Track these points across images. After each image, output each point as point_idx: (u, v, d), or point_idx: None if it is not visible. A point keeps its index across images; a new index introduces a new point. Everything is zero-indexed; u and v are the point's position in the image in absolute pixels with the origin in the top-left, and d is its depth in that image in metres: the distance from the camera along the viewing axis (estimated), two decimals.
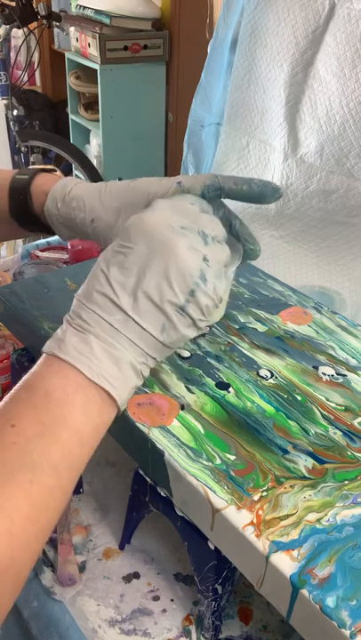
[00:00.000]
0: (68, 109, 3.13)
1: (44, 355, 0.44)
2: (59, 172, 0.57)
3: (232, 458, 0.55)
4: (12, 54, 2.61)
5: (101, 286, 0.43)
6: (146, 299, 0.43)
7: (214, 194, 0.53)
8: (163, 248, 0.43)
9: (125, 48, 2.62)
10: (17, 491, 0.37)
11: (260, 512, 0.50)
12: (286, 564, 0.46)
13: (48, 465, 0.39)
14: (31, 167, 0.58)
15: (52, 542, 0.66)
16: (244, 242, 0.55)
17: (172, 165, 2.96)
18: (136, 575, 0.65)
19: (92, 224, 0.53)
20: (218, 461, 0.54)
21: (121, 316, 0.42)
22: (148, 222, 0.44)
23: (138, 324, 0.43)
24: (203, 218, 0.47)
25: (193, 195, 0.50)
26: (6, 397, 0.42)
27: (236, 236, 0.55)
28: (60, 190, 0.55)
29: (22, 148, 2.41)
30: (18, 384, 0.43)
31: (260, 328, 0.73)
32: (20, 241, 1.17)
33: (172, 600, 0.63)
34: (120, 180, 0.60)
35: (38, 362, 0.44)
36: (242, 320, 0.74)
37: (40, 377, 0.42)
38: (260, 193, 0.53)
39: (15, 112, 2.34)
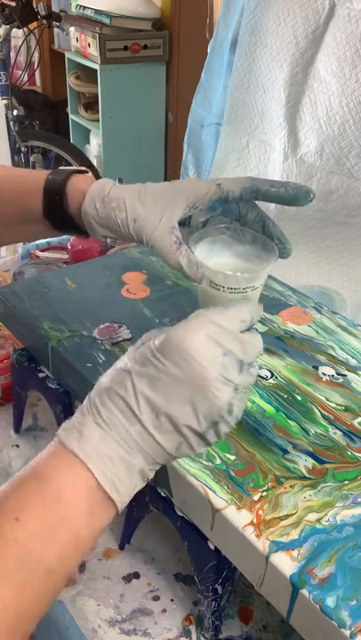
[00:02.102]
0: (68, 109, 3.13)
1: (57, 442, 0.42)
2: (90, 174, 0.58)
3: (232, 458, 0.55)
4: (12, 54, 2.61)
5: (126, 392, 0.42)
6: (168, 420, 0.41)
7: (251, 196, 0.55)
8: (199, 378, 0.41)
9: (125, 48, 2.62)
10: (8, 592, 0.36)
11: (260, 512, 0.50)
12: (286, 564, 0.46)
13: (43, 569, 0.38)
14: (64, 168, 0.59)
15: None
16: (277, 241, 0.57)
17: (171, 165, 2.96)
18: (136, 575, 0.65)
19: (135, 224, 0.54)
20: (218, 461, 0.54)
21: (140, 427, 0.41)
22: (190, 344, 0.41)
23: (155, 440, 0.41)
24: (244, 339, 0.44)
25: (245, 306, 0.46)
26: (14, 481, 0.41)
27: (270, 235, 0.58)
28: (99, 191, 0.56)
29: (22, 148, 2.41)
30: (27, 468, 0.42)
31: (260, 328, 0.73)
32: None
33: (172, 600, 0.63)
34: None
35: (51, 448, 0.42)
36: None
37: (52, 469, 0.40)
38: (294, 196, 0.56)
39: (15, 112, 2.34)
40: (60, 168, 0.62)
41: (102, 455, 0.40)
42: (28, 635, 0.38)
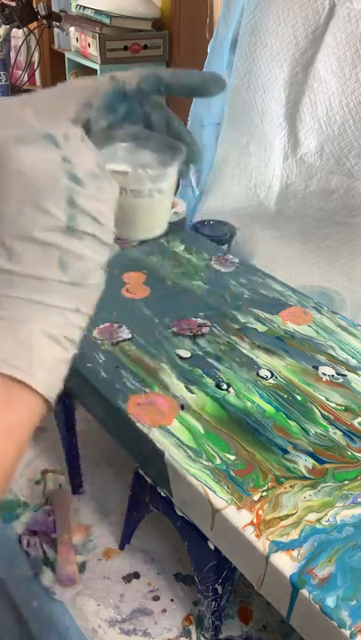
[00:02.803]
0: None
1: None
2: None
3: (232, 458, 0.55)
4: (12, 54, 2.61)
5: None
6: (18, 240, 0.32)
7: (152, 88, 0.47)
8: (2, 168, 0.32)
9: (125, 48, 2.62)
10: None
11: (260, 512, 0.50)
12: (286, 564, 0.46)
13: None
14: None
15: (52, 542, 0.66)
16: (185, 142, 0.49)
17: None
18: (136, 575, 0.65)
19: None
20: (218, 461, 0.54)
21: None
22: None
23: (28, 275, 0.32)
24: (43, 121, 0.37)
25: None
26: None
27: (176, 136, 0.50)
28: None
29: None
30: None
31: (260, 328, 0.73)
32: None
33: (172, 600, 0.63)
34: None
35: None
36: (242, 320, 0.74)
37: None
38: (201, 83, 0.47)
39: None
40: None
41: None
42: None
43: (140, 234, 0.45)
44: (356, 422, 0.59)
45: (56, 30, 2.98)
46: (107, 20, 2.55)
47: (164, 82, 0.46)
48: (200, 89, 0.47)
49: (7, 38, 2.35)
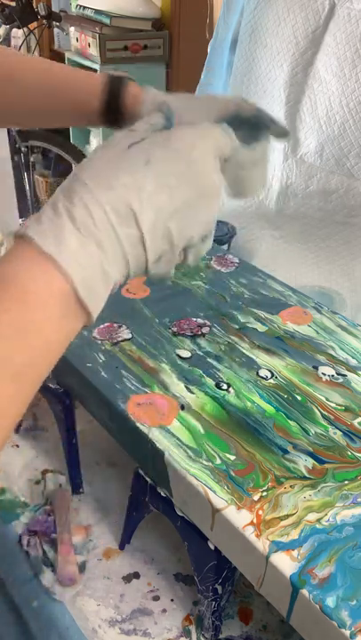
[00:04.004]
0: None
1: (26, 245, 0.36)
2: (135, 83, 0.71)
3: (232, 458, 0.55)
4: None
5: (127, 188, 0.37)
6: (164, 226, 0.39)
7: (259, 123, 0.62)
8: (209, 186, 0.42)
9: (125, 48, 2.62)
10: None
11: (260, 512, 0.50)
12: (286, 564, 0.46)
13: (10, 373, 0.35)
14: (115, 74, 0.70)
15: (52, 542, 0.66)
16: (271, 125, 0.62)
17: None
18: (136, 575, 0.65)
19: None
20: (218, 461, 0.54)
21: (135, 231, 0.37)
22: (199, 155, 0.42)
23: (145, 247, 0.38)
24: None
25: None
26: None
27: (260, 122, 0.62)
28: (152, 97, 0.66)
29: (22, 148, 2.41)
30: None
31: (260, 328, 0.73)
32: None
33: (172, 600, 0.63)
34: None
35: (17, 251, 0.37)
36: (242, 320, 0.74)
37: (23, 272, 0.36)
38: (283, 132, 0.62)
39: None
40: (112, 73, 0.70)
41: (81, 261, 0.36)
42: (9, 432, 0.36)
43: (256, 189, 0.58)
44: (356, 422, 0.59)
45: (56, 30, 2.98)
46: (107, 20, 2.55)
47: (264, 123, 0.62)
48: (279, 136, 0.62)
49: (7, 38, 2.35)
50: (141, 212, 0.37)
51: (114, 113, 0.68)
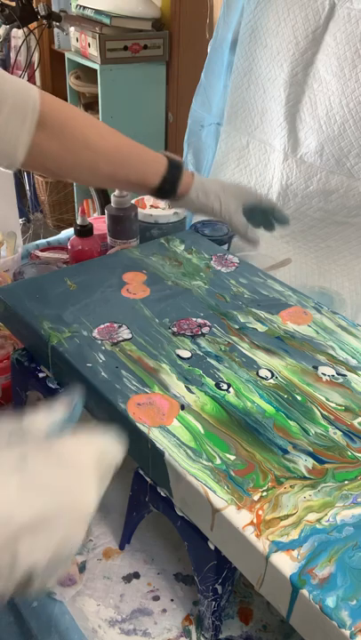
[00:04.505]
0: None
1: None
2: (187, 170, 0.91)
3: (232, 458, 0.55)
4: (12, 54, 2.61)
5: None
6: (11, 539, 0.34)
7: (276, 216, 0.92)
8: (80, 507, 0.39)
9: (125, 48, 2.62)
10: None
11: (260, 512, 0.50)
12: (286, 563, 0.46)
13: None
14: (171, 157, 0.86)
15: None
16: (272, 214, 0.91)
17: None
18: (136, 575, 0.65)
19: (222, 209, 0.85)
20: (218, 461, 0.54)
21: None
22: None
23: None
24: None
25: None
26: None
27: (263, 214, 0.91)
28: (200, 185, 0.85)
29: None
30: None
31: (260, 328, 0.73)
32: (20, 241, 1.17)
33: (172, 600, 0.63)
34: None
35: None
36: (242, 320, 0.74)
37: None
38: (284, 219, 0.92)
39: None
40: (171, 158, 0.85)
41: None
42: None
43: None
44: (356, 422, 0.59)
45: (56, 30, 2.98)
46: (107, 20, 2.55)
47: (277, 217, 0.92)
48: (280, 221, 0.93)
49: (7, 38, 2.35)
50: None
51: (167, 192, 0.84)
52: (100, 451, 0.41)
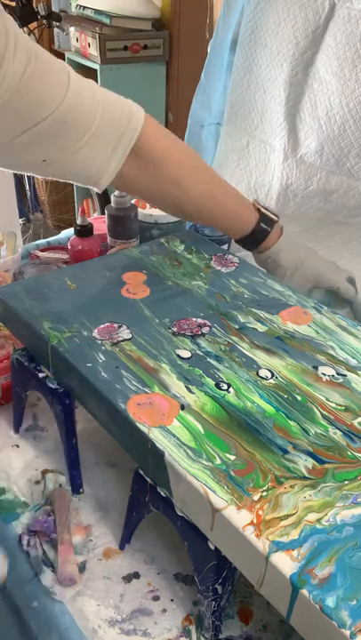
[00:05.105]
0: None
1: None
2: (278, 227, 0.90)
3: (232, 458, 0.55)
4: None
5: None
6: None
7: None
8: None
9: (125, 48, 2.62)
10: None
11: (260, 512, 0.50)
12: (286, 563, 0.46)
13: None
14: (268, 216, 0.88)
15: (52, 542, 0.66)
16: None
17: None
18: (136, 575, 0.65)
19: (319, 279, 0.88)
20: (218, 461, 0.54)
21: None
22: None
23: None
24: None
25: None
26: None
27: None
28: (294, 260, 0.86)
29: None
30: None
31: (260, 328, 0.73)
32: (20, 241, 1.17)
33: (172, 600, 0.63)
34: None
35: None
36: (242, 320, 0.74)
37: None
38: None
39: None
40: (265, 216, 0.87)
41: None
42: None
43: None
44: (356, 422, 0.59)
45: (56, 30, 2.98)
46: (107, 20, 2.55)
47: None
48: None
49: None
50: None
51: (253, 244, 0.85)
52: None
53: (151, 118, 0.73)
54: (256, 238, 0.85)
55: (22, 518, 0.70)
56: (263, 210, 0.85)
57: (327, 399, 0.62)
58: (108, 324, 0.72)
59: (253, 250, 0.87)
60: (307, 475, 0.53)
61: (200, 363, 0.66)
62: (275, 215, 0.86)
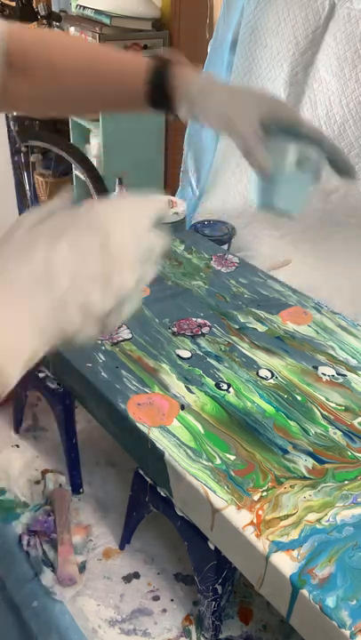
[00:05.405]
0: None
1: None
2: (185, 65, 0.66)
3: (232, 458, 0.55)
4: None
5: (46, 253, 0.38)
6: (77, 300, 0.39)
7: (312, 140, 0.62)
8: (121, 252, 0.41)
9: (125, 48, 2.62)
10: None
11: (260, 512, 0.50)
12: (286, 564, 0.46)
13: None
14: (158, 56, 0.63)
15: (52, 542, 0.66)
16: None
17: (171, 165, 2.96)
18: (136, 575, 0.65)
19: (226, 120, 0.63)
20: (218, 461, 0.54)
21: (49, 303, 0.38)
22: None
23: (61, 320, 0.39)
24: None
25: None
26: None
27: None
28: (199, 89, 0.64)
29: (22, 148, 2.41)
30: None
31: (260, 328, 0.73)
32: None
33: (172, 600, 0.63)
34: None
35: None
36: (242, 320, 0.74)
37: None
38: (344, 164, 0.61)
39: (15, 112, 2.33)
40: (159, 55, 0.66)
41: (5, 341, 0.36)
42: None
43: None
44: (356, 422, 0.59)
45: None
46: (107, 20, 2.55)
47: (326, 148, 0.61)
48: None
49: None
50: (57, 285, 0.38)
51: (160, 98, 0.65)
52: (133, 213, 0.43)
53: (19, 27, 0.65)
54: (158, 86, 0.65)
55: (22, 518, 0.70)
56: (161, 55, 0.68)
57: (327, 399, 0.62)
58: None
59: (171, 109, 0.66)
60: (307, 475, 0.53)
61: (200, 363, 0.66)
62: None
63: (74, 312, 0.39)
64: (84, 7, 2.67)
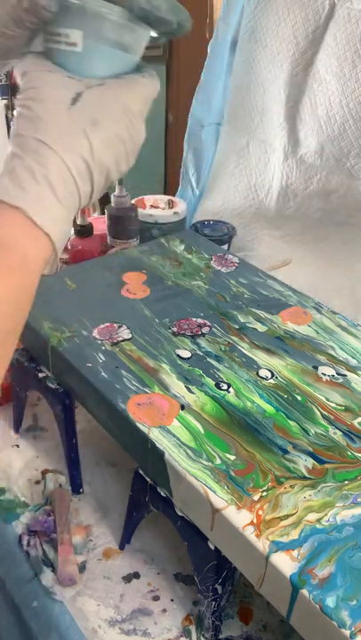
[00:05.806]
0: None
1: (14, 208, 0.38)
2: None
3: (232, 458, 0.55)
4: None
5: (86, 140, 0.41)
6: (106, 175, 0.43)
7: None
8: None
9: None
10: None
11: (260, 512, 0.50)
12: (286, 564, 0.46)
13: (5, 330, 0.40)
14: None
15: (52, 542, 0.66)
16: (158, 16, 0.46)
17: (171, 165, 2.96)
18: (136, 575, 0.65)
19: None
20: (218, 461, 0.54)
21: (89, 188, 0.42)
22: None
23: (94, 198, 0.43)
24: None
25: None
26: None
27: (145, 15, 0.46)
28: None
29: None
30: None
31: (260, 328, 0.73)
32: None
33: (172, 600, 0.63)
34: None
35: (4, 214, 0.39)
36: (242, 320, 0.74)
37: (14, 239, 0.38)
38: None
39: (15, 112, 2.33)
40: None
41: (61, 228, 0.40)
42: None
43: None
44: (356, 422, 0.59)
45: None
46: None
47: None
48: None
49: None
50: (94, 171, 0.42)
51: None
52: (145, 97, 0.47)
53: None
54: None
55: (22, 518, 0.70)
56: None
57: (327, 399, 0.62)
58: (107, 324, 0.72)
59: None
60: (307, 475, 0.53)
61: (200, 363, 0.66)
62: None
63: (101, 186, 0.43)
64: None
